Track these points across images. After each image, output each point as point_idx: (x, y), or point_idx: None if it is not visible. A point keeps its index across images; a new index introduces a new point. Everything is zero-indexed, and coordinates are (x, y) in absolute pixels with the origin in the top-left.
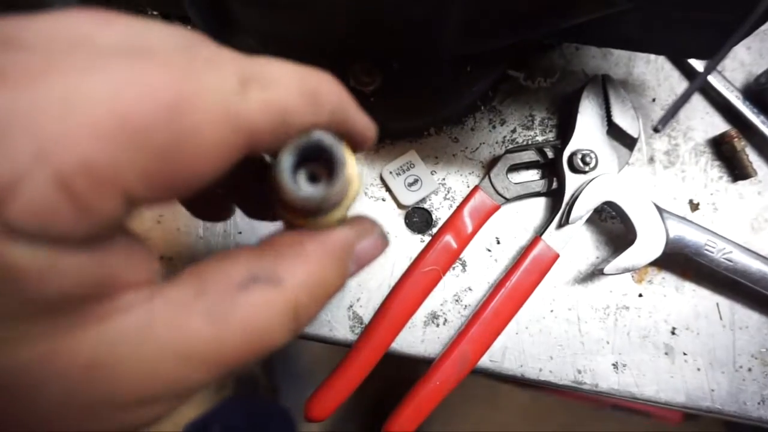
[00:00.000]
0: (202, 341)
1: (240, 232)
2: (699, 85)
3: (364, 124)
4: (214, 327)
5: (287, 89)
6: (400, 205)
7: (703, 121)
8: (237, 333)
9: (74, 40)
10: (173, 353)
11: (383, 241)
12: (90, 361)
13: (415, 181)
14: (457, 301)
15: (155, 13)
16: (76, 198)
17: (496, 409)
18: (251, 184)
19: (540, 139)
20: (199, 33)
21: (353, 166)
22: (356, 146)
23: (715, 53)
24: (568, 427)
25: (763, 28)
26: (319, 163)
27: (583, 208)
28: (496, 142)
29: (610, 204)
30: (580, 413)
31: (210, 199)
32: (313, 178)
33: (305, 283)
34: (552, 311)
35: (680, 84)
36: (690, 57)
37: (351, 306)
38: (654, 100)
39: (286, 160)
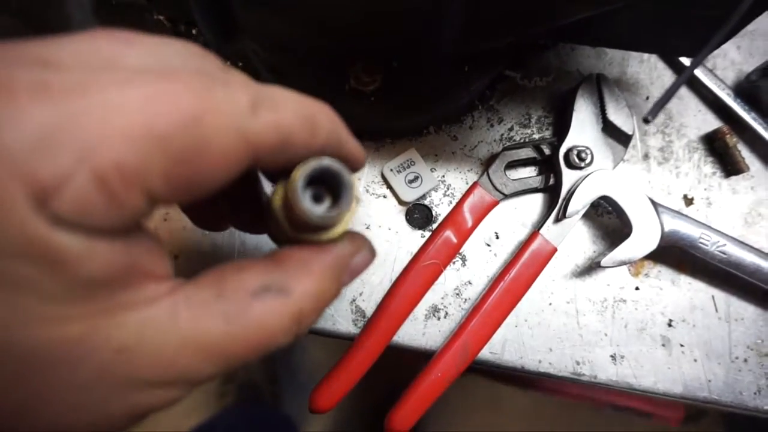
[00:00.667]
0: (217, 337)
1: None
2: (687, 76)
3: (355, 148)
4: (229, 326)
5: (291, 113)
6: (400, 202)
7: (695, 119)
8: (248, 333)
9: (105, 59)
10: (192, 345)
11: (372, 254)
12: (121, 344)
13: (416, 178)
14: (457, 294)
15: (161, 17)
16: (111, 193)
17: (498, 412)
18: (243, 198)
19: (537, 136)
20: (210, 54)
21: (356, 188)
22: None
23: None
24: (570, 429)
25: (751, 28)
26: (323, 185)
27: (579, 203)
28: (494, 140)
29: (605, 199)
30: (582, 416)
31: (212, 211)
32: (316, 198)
33: (309, 294)
34: (551, 304)
35: (673, 83)
36: (680, 55)
37: (354, 300)
38: (647, 98)
39: (300, 182)
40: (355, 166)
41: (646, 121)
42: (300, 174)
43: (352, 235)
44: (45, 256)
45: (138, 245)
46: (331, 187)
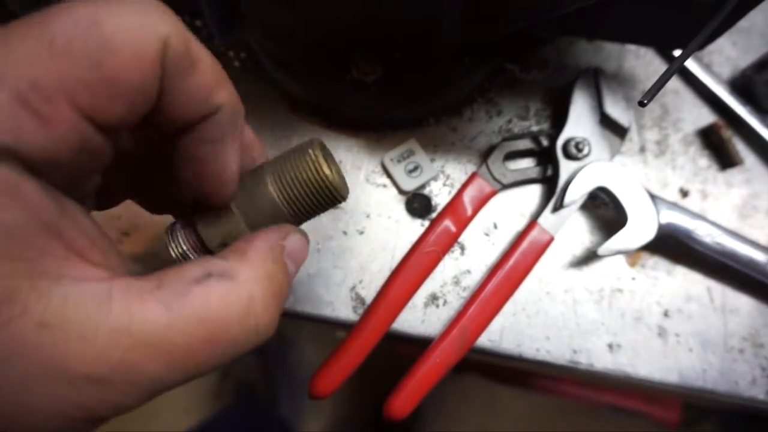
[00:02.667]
0: (155, 327)
1: None
2: (685, 57)
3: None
4: (168, 313)
5: (200, 45)
6: (400, 191)
7: (691, 113)
8: (191, 321)
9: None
10: (126, 336)
11: (306, 237)
12: (42, 319)
13: (415, 167)
14: (456, 283)
15: None
16: (35, 110)
17: (495, 415)
18: (155, 174)
19: (535, 129)
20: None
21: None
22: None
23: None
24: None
25: (746, 25)
26: None
27: (576, 193)
28: (493, 132)
29: (602, 189)
30: (579, 419)
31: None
32: None
33: (255, 278)
34: (548, 293)
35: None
36: (674, 48)
37: (353, 287)
38: (644, 92)
39: (320, 151)
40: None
41: (641, 104)
42: (317, 143)
43: (276, 227)
44: None
45: (72, 218)
46: None
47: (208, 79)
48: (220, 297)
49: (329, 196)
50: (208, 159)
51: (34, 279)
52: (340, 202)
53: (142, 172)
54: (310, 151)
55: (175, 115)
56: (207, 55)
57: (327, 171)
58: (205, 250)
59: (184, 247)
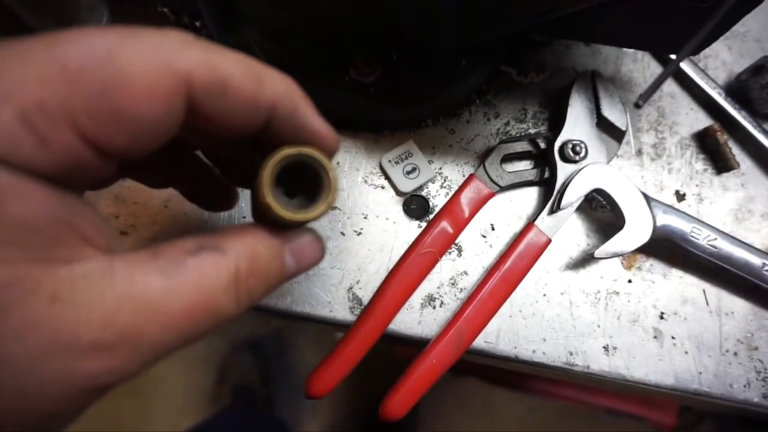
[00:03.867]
0: (155, 293)
1: (244, 217)
2: (681, 59)
3: (321, 125)
4: (166, 281)
5: (229, 58)
6: (398, 193)
7: (687, 117)
8: (188, 288)
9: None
10: (129, 301)
11: (320, 241)
12: (53, 293)
13: (413, 169)
14: (453, 284)
15: (165, 9)
16: (36, 130)
17: (493, 419)
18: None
19: (532, 131)
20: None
21: (336, 182)
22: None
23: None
24: None
25: (742, 30)
26: (298, 179)
27: (573, 195)
28: (491, 134)
29: (599, 191)
30: (576, 422)
31: (214, 190)
32: (289, 194)
33: (244, 254)
34: (545, 295)
35: (665, 82)
36: (671, 52)
37: (350, 288)
38: (641, 96)
39: (270, 171)
40: (326, 147)
41: (637, 105)
42: (272, 160)
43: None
44: None
45: (77, 209)
46: (311, 184)
47: (247, 90)
48: (211, 266)
49: (280, 221)
50: (301, 130)
51: (45, 263)
52: (299, 225)
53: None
54: (262, 173)
55: (237, 128)
56: (237, 66)
57: (268, 199)
58: None
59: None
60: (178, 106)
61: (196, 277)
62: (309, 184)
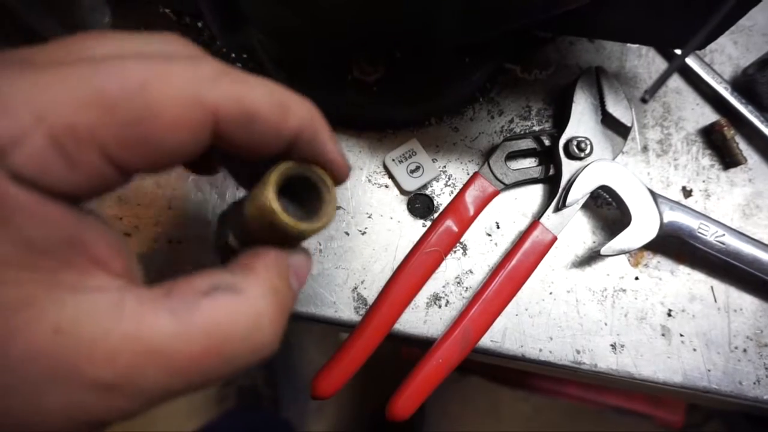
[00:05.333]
0: (163, 335)
1: None
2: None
3: (337, 153)
4: (177, 323)
5: (256, 89)
6: (402, 192)
7: (693, 112)
8: (200, 332)
9: (74, 50)
10: (134, 342)
11: (309, 257)
12: (58, 325)
13: (417, 168)
14: (458, 283)
15: (167, 10)
16: (65, 153)
17: (499, 418)
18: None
19: (537, 128)
20: (192, 43)
21: (335, 199)
22: (332, 178)
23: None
24: None
25: (748, 24)
26: (300, 193)
27: (579, 192)
28: (495, 132)
29: (605, 188)
30: (583, 422)
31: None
32: (294, 205)
33: (262, 293)
34: (551, 293)
35: (671, 77)
36: (674, 47)
37: (355, 288)
38: (646, 92)
39: (273, 184)
40: (336, 175)
41: (642, 100)
42: (277, 170)
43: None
44: None
45: (93, 229)
46: (307, 194)
47: (272, 121)
48: (227, 310)
49: (282, 232)
50: (318, 157)
51: (51, 288)
52: (305, 238)
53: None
54: (268, 179)
55: (260, 152)
56: (264, 98)
57: (274, 205)
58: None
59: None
60: (203, 135)
61: (207, 321)
62: (304, 200)
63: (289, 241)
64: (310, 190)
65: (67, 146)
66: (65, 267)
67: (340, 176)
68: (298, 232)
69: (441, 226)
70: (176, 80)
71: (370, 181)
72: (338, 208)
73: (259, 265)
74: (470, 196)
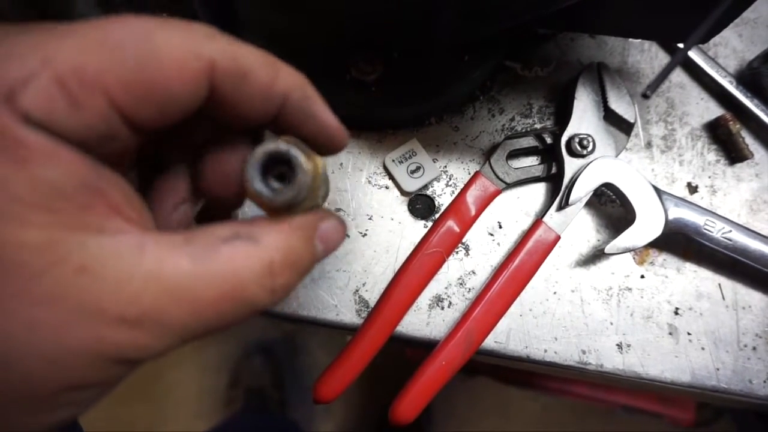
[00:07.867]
0: (183, 277)
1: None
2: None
3: (330, 121)
4: (196, 266)
5: (249, 50)
6: (403, 192)
7: (698, 107)
8: (216, 275)
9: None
10: (156, 282)
11: (343, 225)
12: (82, 264)
13: (418, 168)
14: (461, 284)
15: (164, 15)
16: (70, 93)
17: (507, 417)
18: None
19: (538, 126)
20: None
21: (318, 168)
22: (325, 146)
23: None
24: None
25: (752, 16)
26: (286, 166)
27: (582, 190)
28: (496, 130)
29: (608, 186)
30: (592, 421)
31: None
32: (281, 179)
33: (278, 246)
34: (555, 293)
35: (674, 72)
36: (678, 41)
37: (357, 290)
38: (649, 87)
39: (253, 165)
40: (332, 140)
41: (644, 96)
42: (252, 155)
43: (320, 211)
44: (11, 147)
45: (109, 178)
46: (291, 169)
47: (263, 80)
48: (243, 256)
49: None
50: (310, 120)
51: (74, 230)
52: (288, 209)
53: None
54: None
55: (251, 115)
56: (256, 58)
57: (247, 184)
58: None
59: None
60: (202, 86)
61: (225, 266)
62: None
63: (281, 213)
64: (290, 166)
65: (71, 87)
66: (85, 210)
67: (335, 140)
68: (270, 204)
69: (442, 227)
70: (176, 33)
71: (370, 182)
72: (338, 210)
73: (283, 223)
74: (472, 196)
